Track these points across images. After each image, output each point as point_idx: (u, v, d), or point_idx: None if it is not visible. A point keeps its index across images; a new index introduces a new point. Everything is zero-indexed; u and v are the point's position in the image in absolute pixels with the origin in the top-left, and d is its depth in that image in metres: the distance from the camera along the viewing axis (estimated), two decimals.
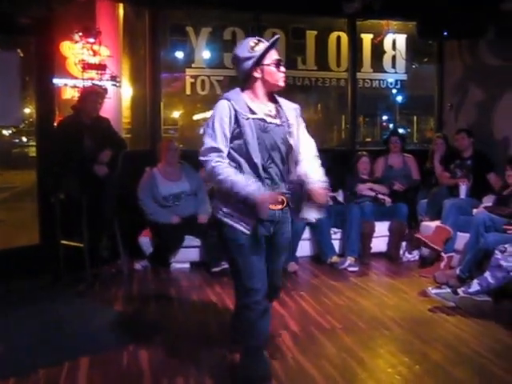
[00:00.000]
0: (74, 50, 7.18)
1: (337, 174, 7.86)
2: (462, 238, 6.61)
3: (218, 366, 4.26)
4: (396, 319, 5.26)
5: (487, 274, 5.41)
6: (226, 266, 6.63)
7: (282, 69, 3.79)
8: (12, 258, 6.50)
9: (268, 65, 3.71)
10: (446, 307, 5.49)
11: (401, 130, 10.11)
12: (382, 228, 7.62)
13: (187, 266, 7.15)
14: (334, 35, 9.27)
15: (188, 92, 8.79)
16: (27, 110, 8.07)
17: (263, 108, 3.77)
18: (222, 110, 3.66)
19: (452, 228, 6.80)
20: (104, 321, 5.31)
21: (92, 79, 7.16)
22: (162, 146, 7.35)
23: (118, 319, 5.39)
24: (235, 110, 3.64)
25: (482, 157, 7.65)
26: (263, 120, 3.71)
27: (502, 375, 4.09)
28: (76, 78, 7.24)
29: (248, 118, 3.65)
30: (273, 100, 3.87)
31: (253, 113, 3.69)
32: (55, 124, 6.90)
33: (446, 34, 8.16)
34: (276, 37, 3.75)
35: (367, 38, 9.41)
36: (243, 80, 3.80)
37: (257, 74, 3.73)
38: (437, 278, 6.16)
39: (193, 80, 8.68)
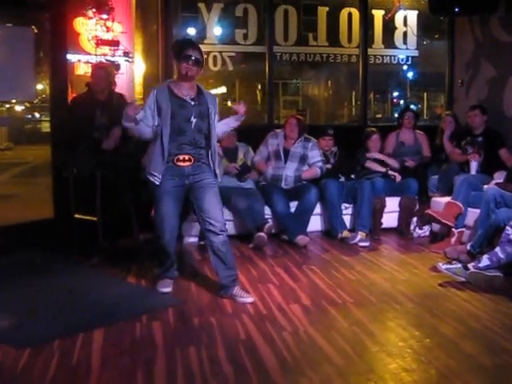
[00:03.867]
0: (87, 26, 7.23)
1: (348, 149, 7.95)
2: (473, 214, 6.63)
3: (229, 336, 4.33)
4: (407, 294, 5.30)
5: (498, 249, 5.44)
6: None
7: (190, 63, 4.96)
8: (27, 232, 6.59)
9: (181, 59, 4.98)
10: (457, 282, 5.52)
11: (412, 107, 10.09)
12: (392, 203, 7.64)
13: (196, 240, 7.17)
14: (345, 11, 9.26)
15: None
16: (40, 86, 8.09)
17: (184, 92, 5.04)
18: (148, 98, 5.09)
19: (463, 204, 6.81)
20: (117, 293, 5.38)
21: (105, 55, 7.22)
22: None
23: (130, 291, 5.44)
24: (155, 92, 5.02)
25: (494, 133, 7.65)
26: (181, 99, 5.01)
27: None
28: (89, 53, 7.29)
29: (167, 99, 4.97)
30: (193, 87, 5.12)
31: (173, 94, 5.01)
32: (69, 100, 6.95)
33: (457, 9, 8.15)
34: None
35: (378, 14, 9.40)
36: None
37: (175, 66, 5.33)
38: (447, 253, 6.18)
39: (205, 56, 8.68)
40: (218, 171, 5.25)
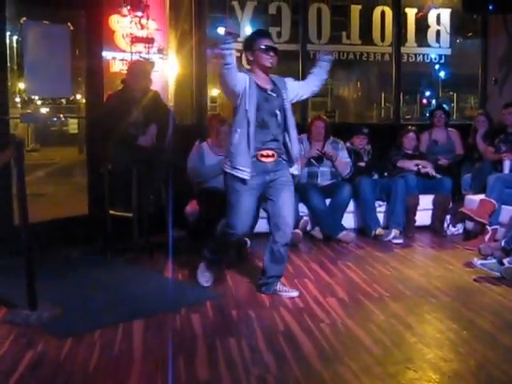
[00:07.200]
0: (122, 23, 7.29)
1: (382, 148, 7.96)
2: (507, 211, 6.63)
3: (268, 327, 4.38)
4: (442, 288, 5.32)
5: None
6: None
7: (271, 53, 4.84)
8: (63, 228, 6.67)
9: (257, 50, 4.83)
10: (492, 277, 5.52)
11: (444, 106, 10.07)
12: (426, 201, 7.65)
13: None
14: (378, 9, 9.29)
15: None
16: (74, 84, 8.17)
17: (265, 83, 4.89)
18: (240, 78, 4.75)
19: (497, 201, 6.80)
20: (154, 287, 5.44)
21: (140, 52, 7.28)
22: (212, 125, 7.28)
23: (168, 285, 5.52)
24: (247, 79, 4.76)
25: None
26: (267, 93, 4.87)
27: None
28: (124, 51, 7.35)
29: (255, 90, 4.78)
30: (268, 79, 4.97)
31: (258, 86, 4.83)
32: (105, 97, 7.01)
33: (491, 7, 8.12)
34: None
35: (411, 13, 9.40)
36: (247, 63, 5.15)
37: (250, 58, 4.91)
38: (482, 249, 6.16)
39: (238, 54, 8.74)
40: (295, 161, 5.09)
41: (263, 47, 4.81)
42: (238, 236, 5.06)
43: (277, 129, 4.89)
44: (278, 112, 4.87)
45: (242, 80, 4.73)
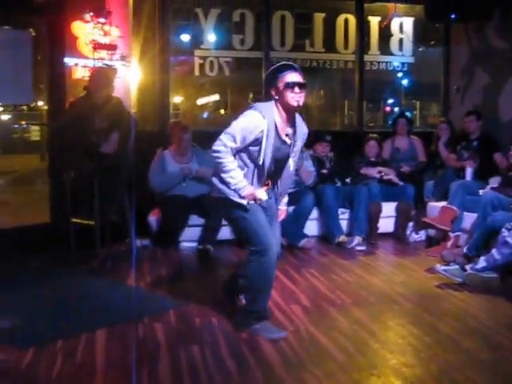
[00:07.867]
0: (84, 30, 7.23)
1: (344, 155, 8.00)
2: (469, 218, 6.68)
3: (231, 335, 4.37)
4: (405, 294, 5.36)
5: (494, 251, 5.49)
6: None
7: (297, 90, 4.19)
8: (24, 236, 6.60)
9: (282, 87, 4.20)
10: (454, 284, 5.57)
11: (406, 114, 10.16)
12: (388, 209, 7.70)
13: (194, 244, 7.12)
14: (341, 17, 9.31)
15: (197, 73, 8.90)
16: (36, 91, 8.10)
17: (285, 129, 4.30)
18: (253, 122, 4.17)
19: (459, 208, 6.86)
20: (117, 295, 5.41)
21: (102, 59, 7.22)
22: (175, 132, 7.27)
23: (130, 294, 5.47)
24: (267, 126, 4.14)
25: (488, 138, 7.70)
26: (283, 142, 4.30)
27: (511, 346, 4.20)
28: (86, 57, 7.30)
29: (273, 138, 4.19)
30: (293, 120, 4.35)
31: (277, 133, 4.23)
32: (67, 104, 6.96)
33: (453, 16, 8.21)
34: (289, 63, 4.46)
35: (374, 21, 9.45)
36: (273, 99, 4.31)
37: (275, 95, 4.27)
38: (444, 256, 6.21)
39: (202, 61, 8.76)
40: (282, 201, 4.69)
41: (289, 82, 4.18)
42: (274, 253, 4.30)
43: (276, 170, 4.43)
44: (283, 159, 4.41)
45: (258, 131, 4.15)
